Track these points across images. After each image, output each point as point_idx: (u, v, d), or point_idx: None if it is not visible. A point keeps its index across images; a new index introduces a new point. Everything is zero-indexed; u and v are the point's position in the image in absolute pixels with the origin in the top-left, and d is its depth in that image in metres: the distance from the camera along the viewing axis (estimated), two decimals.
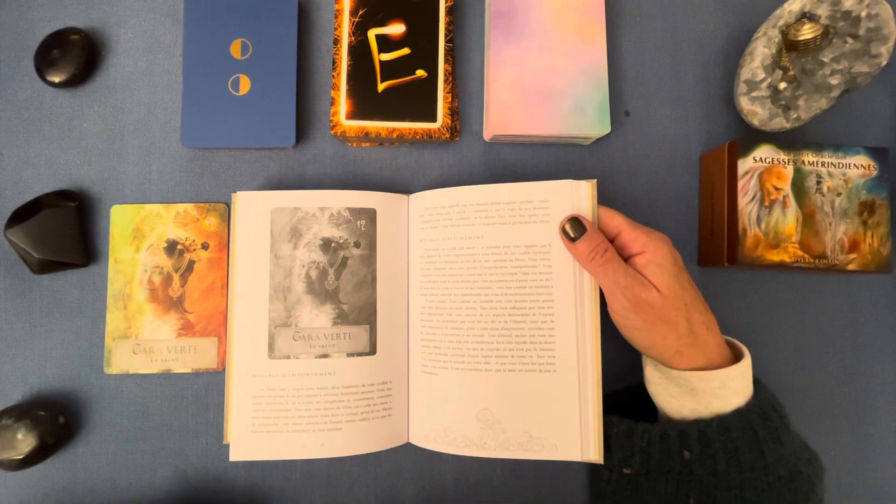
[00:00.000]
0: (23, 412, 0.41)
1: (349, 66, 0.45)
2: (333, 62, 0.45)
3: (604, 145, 0.48)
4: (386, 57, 0.45)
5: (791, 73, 0.44)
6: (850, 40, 0.43)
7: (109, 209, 0.46)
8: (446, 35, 0.46)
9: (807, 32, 0.43)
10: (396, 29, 0.45)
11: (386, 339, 0.43)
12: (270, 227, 0.42)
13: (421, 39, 0.45)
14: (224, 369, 0.45)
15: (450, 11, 0.46)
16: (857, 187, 0.44)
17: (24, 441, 0.40)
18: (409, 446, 0.43)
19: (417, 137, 0.45)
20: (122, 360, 0.44)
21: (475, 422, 0.40)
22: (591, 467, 0.43)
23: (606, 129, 0.45)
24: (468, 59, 0.49)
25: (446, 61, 0.46)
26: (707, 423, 0.36)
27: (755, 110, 0.45)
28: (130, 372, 0.44)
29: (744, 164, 0.44)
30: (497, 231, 0.40)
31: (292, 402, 0.41)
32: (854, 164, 0.44)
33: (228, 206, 0.46)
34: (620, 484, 0.39)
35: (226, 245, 0.46)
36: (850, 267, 0.43)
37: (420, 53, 0.45)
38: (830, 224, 0.44)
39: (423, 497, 0.45)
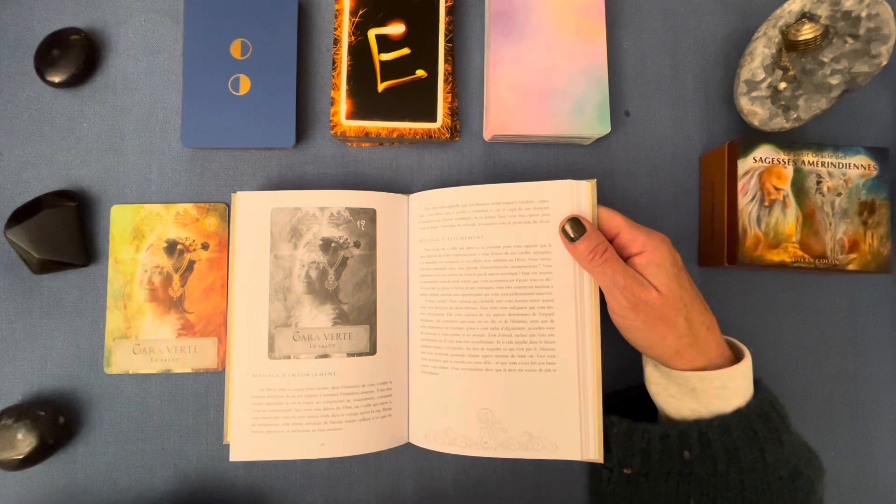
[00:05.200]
0: (23, 412, 0.41)
1: (349, 66, 0.45)
2: (333, 62, 0.45)
3: (604, 145, 0.48)
4: (386, 57, 0.45)
5: (791, 73, 0.44)
6: (850, 40, 0.43)
7: (109, 209, 0.46)
8: (446, 35, 0.46)
9: (807, 32, 0.43)
10: (396, 29, 0.45)
11: (386, 339, 0.43)
12: (270, 227, 0.42)
13: (421, 39, 0.45)
14: (224, 369, 0.45)
15: (450, 11, 0.46)
16: (857, 187, 0.44)
17: (24, 441, 0.40)
18: (409, 446, 0.43)
19: (417, 137, 0.45)
20: (122, 360, 0.44)
21: (475, 421, 0.40)
22: (591, 467, 0.43)
23: (606, 129, 0.45)
24: (468, 59, 0.49)
25: (446, 61, 0.46)
26: (707, 423, 0.36)
27: (755, 110, 0.45)
28: (130, 372, 0.44)
29: (744, 164, 0.44)
30: (497, 231, 0.40)
31: (292, 402, 0.41)
32: (854, 164, 0.44)
33: (228, 206, 0.46)
34: (620, 484, 0.39)
35: (226, 245, 0.46)
36: (850, 267, 0.43)
37: (420, 53, 0.45)
38: (830, 224, 0.44)
39: (423, 497, 0.45)
